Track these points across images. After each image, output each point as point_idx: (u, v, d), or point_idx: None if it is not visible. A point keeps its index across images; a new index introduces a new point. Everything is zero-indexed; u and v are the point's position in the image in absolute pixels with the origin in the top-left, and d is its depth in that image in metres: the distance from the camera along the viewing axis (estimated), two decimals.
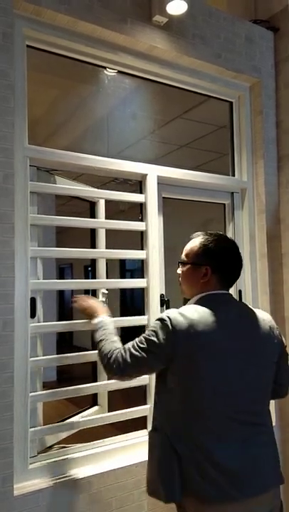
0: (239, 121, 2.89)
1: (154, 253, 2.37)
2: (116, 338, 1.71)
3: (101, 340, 1.70)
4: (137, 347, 1.54)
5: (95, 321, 1.83)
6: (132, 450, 2.21)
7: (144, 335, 1.56)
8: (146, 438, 2.25)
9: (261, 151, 2.81)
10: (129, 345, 1.58)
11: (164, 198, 2.50)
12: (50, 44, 2.18)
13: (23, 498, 1.82)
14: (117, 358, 1.57)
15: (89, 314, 1.92)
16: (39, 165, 2.11)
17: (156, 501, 2.11)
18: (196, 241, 1.67)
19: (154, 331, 1.52)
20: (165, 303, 2.38)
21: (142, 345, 1.53)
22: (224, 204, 2.84)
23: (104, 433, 2.26)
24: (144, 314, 2.36)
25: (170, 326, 1.48)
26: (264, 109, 2.82)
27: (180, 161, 2.71)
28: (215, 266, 1.61)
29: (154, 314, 2.33)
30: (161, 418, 1.57)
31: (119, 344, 1.66)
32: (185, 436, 1.48)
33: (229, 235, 2.81)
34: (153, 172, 2.41)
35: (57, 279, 2.47)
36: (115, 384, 2.23)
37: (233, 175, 2.87)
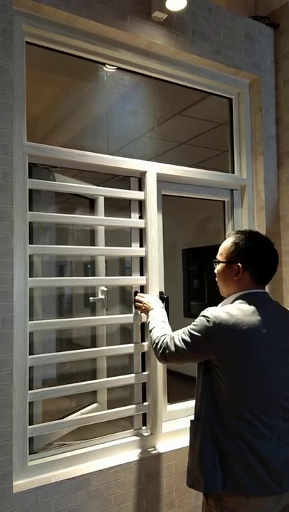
0: (239, 118, 2.88)
1: (153, 250, 2.37)
2: (165, 325, 1.89)
3: (152, 328, 1.87)
4: (180, 339, 1.63)
5: (149, 313, 2.03)
6: (131, 447, 2.21)
7: (189, 328, 1.62)
8: (145, 435, 2.27)
9: (261, 148, 2.80)
10: (175, 334, 1.68)
11: (163, 195, 2.50)
12: (50, 40, 2.17)
13: (22, 496, 1.82)
14: (162, 345, 1.71)
15: (145, 309, 2.13)
16: (38, 162, 2.10)
17: (156, 498, 2.13)
18: (228, 240, 1.72)
19: (197, 327, 1.58)
20: (164, 300, 2.38)
21: (185, 338, 1.62)
22: (224, 201, 2.83)
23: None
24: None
25: (212, 324, 1.52)
26: (264, 105, 2.81)
27: (179, 158, 2.70)
28: (246, 263, 1.64)
29: None
30: (206, 407, 1.59)
31: (167, 331, 1.83)
32: (229, 428, 1.51)
33: (228, 232, 2.80)
34: (152, 169, 2.41)
35: (57, 276, 2.46)
36: (114, 381, 2.24)
37: (233, 172, 2.87)
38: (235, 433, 1.50)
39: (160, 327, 1.85)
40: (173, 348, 1.65)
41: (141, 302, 2.19)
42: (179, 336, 1.65)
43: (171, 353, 1.66)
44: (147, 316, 2.07)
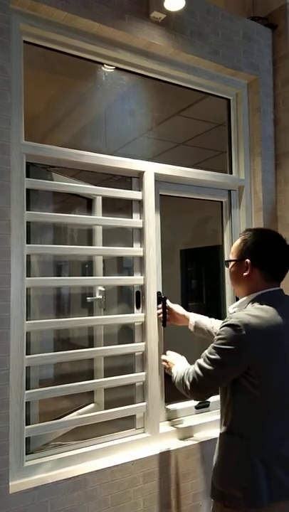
0: (237, 119, 2.88)
1: (151, 250, 2.36)
2: (185, 366, 1.78)
3: (175, 378, 1.76)
4: (207, 360, 1.52)
5: (172, 369, 1.87)
6: (128, 448, 2.21)
7: (214, 345, 1.52)
8: (143, 436, 2.27)
9: (259, 148, 2.80)
10: (199, 360, 1.57)
11: (161, 195, 2.49)
12: (48, 40, 2.16)
13: (18, 496, 1.81)
14: (188, 376, 1.60)
15: (169, 367, 1.95)
16: (36, 161, 2.10)
17: (153, 499, 2.12)
18: (238, 239, 1.71)
19: (227, 340, 1.48)
20: (162, 300, 2.38)
21: (213, 357, 1.51)
22: (221, 202, 2.83)
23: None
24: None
25: (245, 332, 1.45)
26: (262, 106, 2.82)
27: (177, 158, 2.71)
28: (255, 258, 1.62)
29: (150, 312, 2.33)
30: (239, 420, 1.53)
31: (188, 365, 1.73)
32: (266, 437, 1.49)
33: (226, 232, 2.81)
34: (150, 169, 2.40)
35: (54, 276, 2.46)
36: (111, 382, 2.23)
37: (231, 172, 2.87)
38: (274, 439, 1.48)
39: (181, 371, 1.72)
40: (201, 374, 1.54)
41: (166, 361, 2.03)
42: (203, 360, 1.55)
43: (201, 380, 1.54)
44: (171, 373, 1.89)
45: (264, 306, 1.54)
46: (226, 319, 1.54)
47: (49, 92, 3.18)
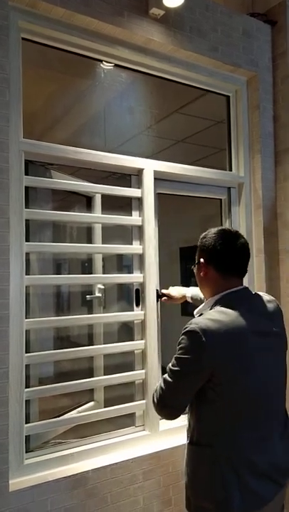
0: (236, 116, 2.87)
1: (150, 248, 2.36)
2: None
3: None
4: (171, 373, 1.47)
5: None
6: (128, 445, 2.21)
7: (176, 355, 1.47)
8: (143, 433, 2.27)
9: (258, 145, 2.79)
10: (165, 375, 1.51)
11: (161, 193, 2.49)
12: (46, 37, 2.15)
13: (18, 494, 1.81)
14: (156, 393, 1.52)
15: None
16: (35, 159, 2.09)
17: (153, 496, 2.12)
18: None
19: (185, 348, 1.43)
20: (160, 298, 2.38)
21: (176, 369, 1.45)
22: (220, 199, 2.82)
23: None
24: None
25: (203, 337, 1.39)
26: (261, 103, 2.80)
27: (177, 156, 2.69)
28: (207, 257, 1.61)
29: (150, 309, 2.32)
30: (205, 431, 1.49)
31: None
32: (236, 445, 1.44)
33: None
34: (150, 167, 2.40)
35: (54, 274, 2.46)
36: (111, 380, 2.23)
37: (230, 170, 2.86)
38: (244, 446, 1.43)
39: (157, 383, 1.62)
40: (165, 388, 1.48)
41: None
42: (167, 373, 1.48)
43: (166, 396, 1.48)
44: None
45: (225, 309, 1.49)
46: (185, 326, 1.48)
47: (48, 90, 3.17)
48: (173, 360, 1.48)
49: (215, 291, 1.59)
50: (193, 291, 2.28)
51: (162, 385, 1.50)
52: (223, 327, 1.42)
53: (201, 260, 1.63)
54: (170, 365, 1.49)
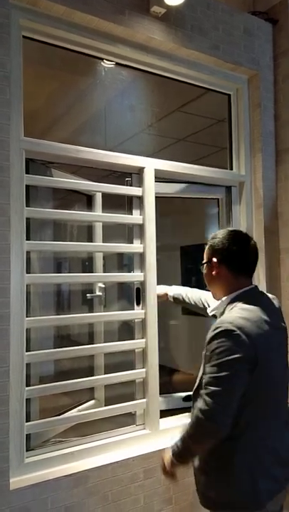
0: (237, 115, 2.86)
1: (151, 246, 2.36)
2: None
3: (179, 446, 1.53)
4: (218, 381, 1.40)
5: (168, 456, 1.60)
6: (129, 444, 2.21)
7: (217, 362, 1.42)
8: (143, 432, 2.27)
9: (259, 144, 2.79)
10: (206, 392, 1.42)
11: (159, 197, 2.47)
12: (47, 35, 2.15)
13: (19, 492, 1.81)
14: (199, 419, 1.42)
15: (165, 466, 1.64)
16: (35, 157, 2.09)
17: (153, 495, 2.12)
18: (207, 244, 1.73)
19: (229, 349, 1.41)
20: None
21: (224, 374, 1.40)
22: (218, 199, 2.81)
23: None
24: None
25: (243, 335, 1.41)
26: (262, 101, 2.80)
27: (177, 155, 2.69)
28: (220, 256, 1.65)
29: (150, 308, 2.32)
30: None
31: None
32: (261, 437, 1.47)
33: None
34: (150, 165, 2.39)
35: (54, 272, 2.46)
36: (111, 378, 2.23)
37: (231, 168, 2.85)
38: (268, 436, 1.48)
39: (177, 437, 1.55)
40: (217, 400, 1.39)
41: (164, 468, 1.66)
42: (212, 387, 1.41)
43: (218, 410, 1.38)
44: (177, 461, 1.57)
45: (246, 306, 1.54)
46: (214, 327, 1.48)
47: (49, 88, 3.16)
48: (214, 368, 1.42)
49: (228, 290, 1.64)
50: (175, 291, 2.34)
51: (210, 401, 1.40)
52: (252, 323, 1.47)
53: (214, 260, 1.66)
54: (211, 375, 1.42)
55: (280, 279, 2.78)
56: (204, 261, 1.72)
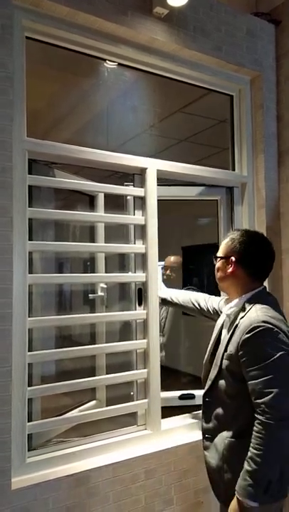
0: (240, 115, 2.86)
1: (153, 247, 2.36)
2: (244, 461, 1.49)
3: (251, 458, 1.44)
4: (274, 383, 1.41)
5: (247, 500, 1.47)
6: (130, 444, 2.21)
7: (266, 363, 1.44)
8: (144, 432, 2.27)
9: (262, 145, 2.79)
10: (266, 399, 1.41)
11: (161, 200, 2.47)
12: (50, 36, 2.15)
13: (20, 492, 1.82)
14: (267, 431, 1.40)
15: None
16: (38, 158, 2.09)
17: (155, 495, 2.12)
18: (227, 237, 1.77)
19: (273, 347, 1.45)
20: (162, 300, 2.38)
21: (278, 375, 1.43)
22: (216, 200, 2.80)
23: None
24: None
25: (280, 331, 1.49)
26: (265, 102, 2.80)
27: (179, 156, 2.69)
28: (239, 257, 1.68)
29: (152, 309, 2.32)
30: (247, 422, 1.49)
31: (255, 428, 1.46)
32: None
33: (225, 230, 2.78)
34: (153, 166, 2.39)
35: (56, 273, 2.46)
36: (113, 379, 2.23)
37: (233, 169, 2.85)
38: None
39: (245, 464, 1.47)
40: (280, 401, 1.40)
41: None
42: (269, 388, 1.42)
43: (283, 405, 1.40)
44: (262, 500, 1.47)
45: (264, 305, 1.59)
46: (249, 328, 1.49)
47: (51, 89, 3.17)
48: (263, 371, 1.44)
49: (242, 290, 1.68)
50: (165, 295, 2.38)
51: (275, 404, 1.40)
52: (279, 321, 1.53)
53: (232, 258, 1.68)
54: (263, 379, 1.43)
55: (282, 279, 2.78)
56: (220, 254, 1.74)
